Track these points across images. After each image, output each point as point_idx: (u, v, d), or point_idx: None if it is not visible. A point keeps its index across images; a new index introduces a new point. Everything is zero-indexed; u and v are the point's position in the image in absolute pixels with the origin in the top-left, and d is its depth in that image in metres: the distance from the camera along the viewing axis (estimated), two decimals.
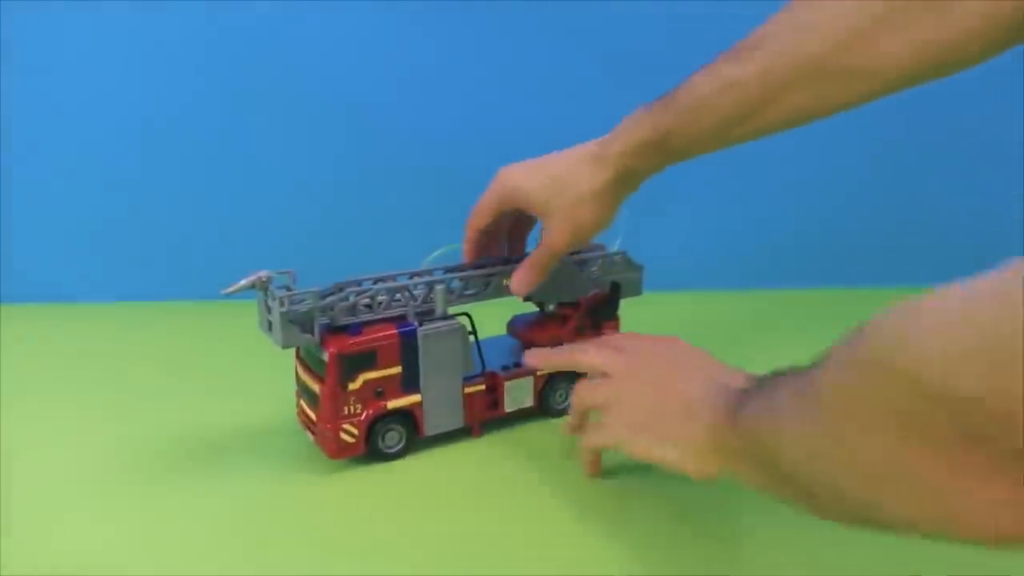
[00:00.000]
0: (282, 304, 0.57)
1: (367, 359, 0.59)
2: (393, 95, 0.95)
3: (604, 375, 0.55)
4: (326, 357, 0.58)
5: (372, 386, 0.59)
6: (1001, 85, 0.92)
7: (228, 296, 0.57)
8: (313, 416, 0.60)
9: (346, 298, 0.59)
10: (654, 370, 0.54)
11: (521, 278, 0.63)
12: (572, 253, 0.67)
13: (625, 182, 0.59)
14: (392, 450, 0.61)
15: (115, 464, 0.62)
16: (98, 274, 0.94)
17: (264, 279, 0.58)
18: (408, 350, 0.60)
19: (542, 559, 0.51)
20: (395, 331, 0.60)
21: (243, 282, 0.58)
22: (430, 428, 0.62)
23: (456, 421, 0.63)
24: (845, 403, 0.32)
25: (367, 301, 0.60)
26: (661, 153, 0.57)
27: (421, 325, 0.60)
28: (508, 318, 0.70)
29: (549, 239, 0.61)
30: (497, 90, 0.95)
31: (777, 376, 0.40)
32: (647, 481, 0.57)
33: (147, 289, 0.94)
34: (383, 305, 0.61)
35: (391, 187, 0.97)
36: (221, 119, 0.93)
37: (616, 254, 0.69)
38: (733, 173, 0.97)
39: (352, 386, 0.59)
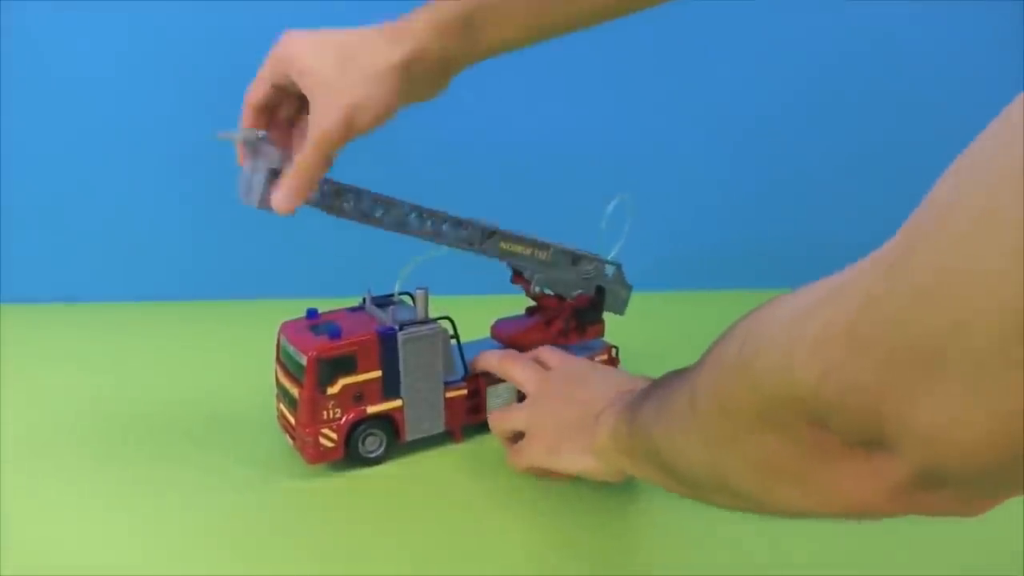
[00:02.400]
0: (272, 160, 0.54)
1: (346, 363, 0.58)
2: None
3: (523, 392, 0.59)
4: (304, 360, 0.57)
5: (351, 390, 0.59)
6: (997, 84, 0.90)
7: (221, 139, 0.54)
8: (292, 420, 0.60)
9: (345, 199, 0.59)
10: (569, 390, 0.56)
11: (285, 190, 0.53)
12: (571, 253, 0.66)
13: (420, 65, 0.52)
14: (372, 455, 0.61)
15: (109, 465, 0.62)
16: (98, 274, 0.94)
17: (259, 136, 0.54)
18: (388, 354, 0.59)
19: (523, 563, 0.51)
20: (375, 335, 0.59)
21: (238, 134, 0.54)
22: (411, 433, 0.61)
23: (437, 426, 0.62)
24: (713, 405, 0.34)
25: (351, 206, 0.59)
26: (468, 31, 0.52)
27: (401, 329, 0.60)
28: (492, 321, 0.69)
29: (313, 124, 0.51)
30: (498, 92, 0.94)
31: (672, 376, 0.41)
32: (629, 481, 0.56)
33: (147, 289, 0.95)
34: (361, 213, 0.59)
35: (392, 187, 0.96)
36: (221, 119, 0.93)
37: (613, 263, 0.68)
38: (731, 171, 0.95)
39: (331, 390, 0.58)
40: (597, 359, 0.68)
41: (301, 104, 0.55)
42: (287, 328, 0.61)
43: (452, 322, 0.62)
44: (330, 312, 0.63)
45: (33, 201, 0.93)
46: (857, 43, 0.91)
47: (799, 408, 0.28)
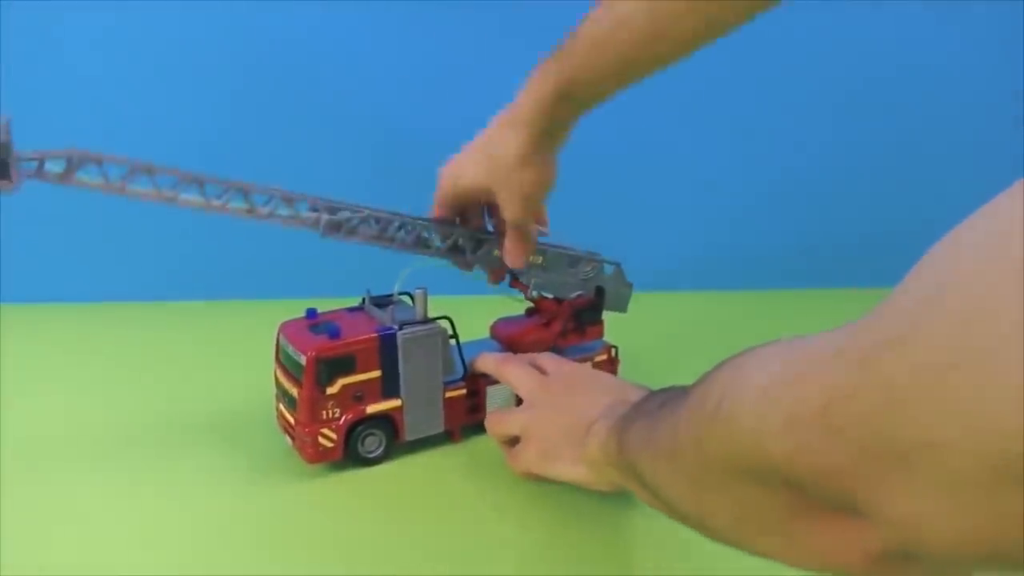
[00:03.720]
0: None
1: (345, 363, 0.58)
2: (393, 95, 0.94)
3: (520, 397, 0.59)
4: (303, 360, 0.57)
5: (351, 390, 0.59)
6: (997, 84, 0.90)
7: None
8: (291, 420, 0.60)
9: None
10: (565, 396, 0.57)
11: (512, 249, 0.62)
12: (567, 255, 0.67)
13: (545, 138, 0.59)
14: (372, 455, 0.61)
15: (109, 465, 0.62)
16: (98, 274, 0.94)
17: None
18: (388, 354, 0.59)
19: (521, 563, 0.51)
20: (374, 335, 0.59)
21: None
22: (410, 433, 0.61)
23: (436, 426, 0.62)
24: (695, 450, 0.33)
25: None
26: (569, 102, 0.58)
27: (401, 329, 0.60)
28: (491, 322, 0.69)
29: (505, 215, 0.61)
30: (500, 93, 0.94)
31: (662, 398, 0.41)
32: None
33: (147, 289, 0.95)
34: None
35: (391, 187, 0.96)
36: (221, 118, 0.93)
37: (613, 263, 0.68)
38: (732, 172, 0.95)
39: (330, 390, 0.58)
40: (597, 359, 0.68)
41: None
42: (286, 328, 0.61)
43: (451, 322, 0.62)
44: (329, 312, 0.63)
45: (33, 201, 0.92)
46: (857, 45, 0.91)
47: (775, 473, 0.28)
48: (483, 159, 0.60)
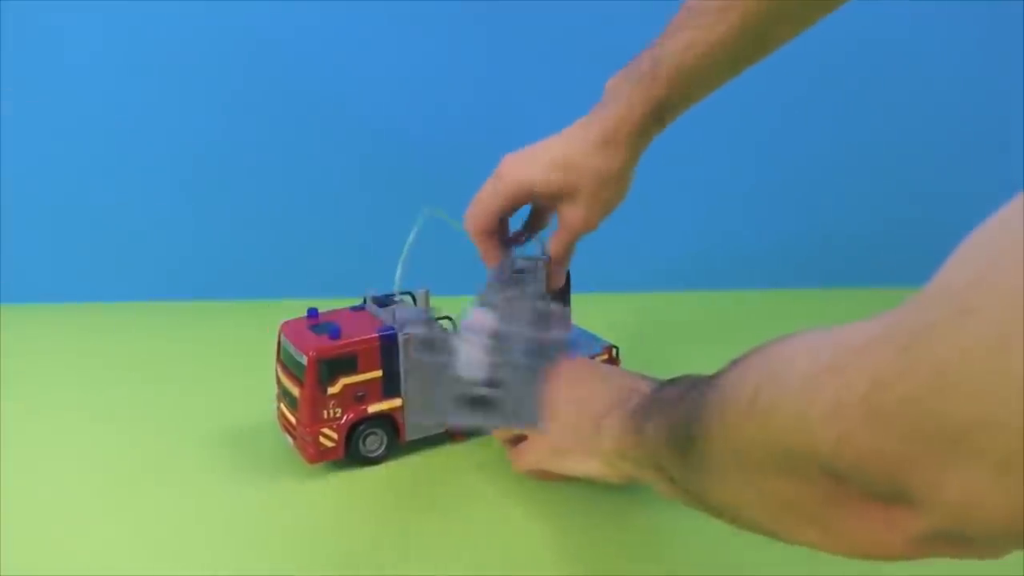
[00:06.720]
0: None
1: (347, 363, 0.58)
2: (391, 95, 0.94)
3: None
4: (304, 360, 0.58)
5: (352, 390, 0.59)
6: (1000, 84, 0.90)
7: None
8: (293, 420, 0.60)
9: None
10: (567, 390, 0.56)
11: (562, 262, 0.64)
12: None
13: (637, 157, 0.62)
14: (373, 454, 0.61)
15: (110, 465, 0.62)
16: (98, 274, 0.94)
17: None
18: (389, 354, 0.60)
19: (524, 562, 0.51)
20: (375, 335, 0.59)
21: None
22: (411, 432, 0.62)
23: (437, 426, 0.62)
24: (726, 447, 0.33)
25: None
26: (660, 123, 0.61)
27: (401, 329, 0.60)
28: None
29: (575, 221, 0.61)
30: (496, 91, 0.95)
31: (679, 390, 0.41)
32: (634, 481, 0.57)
33: (147, 289, 0.95)
34: None
35: (390, 188, 0.97)
36: (220, 119, 0.94)
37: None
38: (732, 172, 0.95)
39: (332, 390, 0.58)
40: (597, 359, 0.68)
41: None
42: (288, 327, 0.61)
43: (453, 322, 0.62)
44: (330, 312, 0.63)
45: (33, 201, 0.93)
46: (857, 43, 0.91)
47: (816, 462, 0.28)
48: (564, 171, 0.60)
